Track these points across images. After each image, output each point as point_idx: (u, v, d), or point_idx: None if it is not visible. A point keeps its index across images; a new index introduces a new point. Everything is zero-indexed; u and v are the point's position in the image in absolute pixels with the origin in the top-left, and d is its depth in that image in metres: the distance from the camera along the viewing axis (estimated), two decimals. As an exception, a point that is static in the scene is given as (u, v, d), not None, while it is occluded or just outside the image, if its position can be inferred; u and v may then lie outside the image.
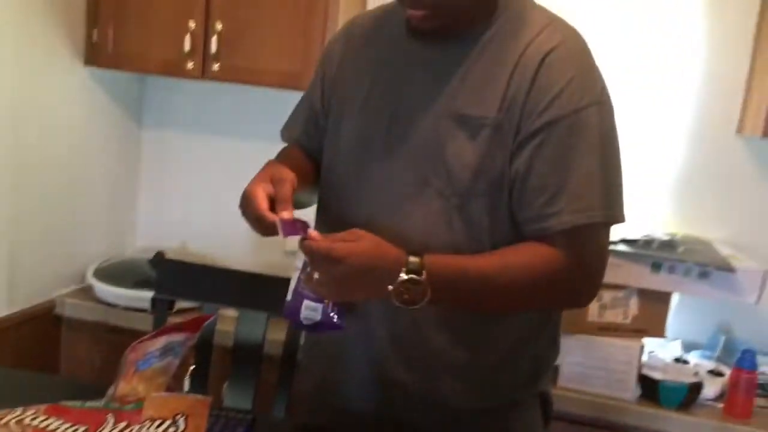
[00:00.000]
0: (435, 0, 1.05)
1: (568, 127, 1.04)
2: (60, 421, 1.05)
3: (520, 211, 1.07)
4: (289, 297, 1.11)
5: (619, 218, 1.09)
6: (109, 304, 2.22)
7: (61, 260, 2.28)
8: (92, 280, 2.26)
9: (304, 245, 1.01)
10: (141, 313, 2.15)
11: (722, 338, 2.17)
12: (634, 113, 2.18)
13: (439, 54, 1.11)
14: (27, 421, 1.04)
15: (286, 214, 1.04)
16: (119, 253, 2.52)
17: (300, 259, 1.10)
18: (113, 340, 2.08)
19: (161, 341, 1.17)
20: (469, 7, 1.08)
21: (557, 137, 1.04)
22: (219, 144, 2.54)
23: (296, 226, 1.04)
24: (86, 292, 2.30)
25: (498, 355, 1.16)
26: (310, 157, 1.28)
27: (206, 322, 1.23)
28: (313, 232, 1.03)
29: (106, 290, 2.22)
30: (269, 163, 1.17)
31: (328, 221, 1.21)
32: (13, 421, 1.04)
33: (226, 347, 1.64)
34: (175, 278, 1.71)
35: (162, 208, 2.60)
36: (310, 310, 1.08)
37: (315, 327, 1.09)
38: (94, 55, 2.24)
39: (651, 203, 2.22)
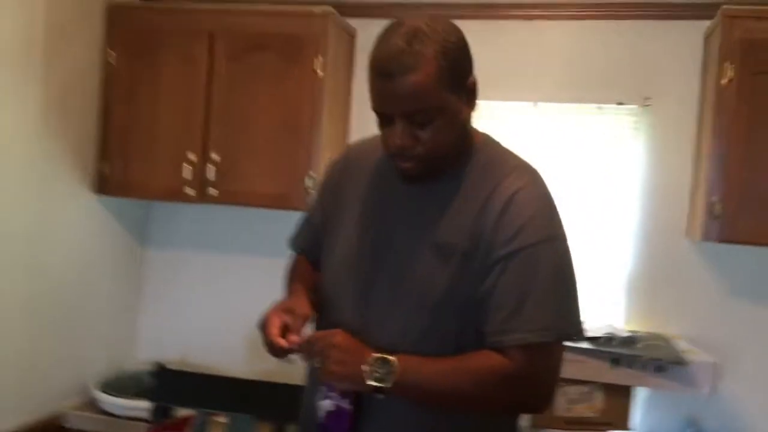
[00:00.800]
0: (421, 154, 1.25)
1: (526, 258, 1.23)
2: None
3: (483, 325, 1.25)
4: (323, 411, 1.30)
5: (571, 336, 1.25)
6: (112, 415, 2.35)
7: (67, 374, 2.44)
8: (96, 393, 2.41)
9: (304, 343, 1.22)
10: (142, 422, 2.28)
11: (689, 431, 2.29)
12: (592, 226, 2.40)
13: (422, 190, 1.31)
14: None
15: (296, 339, 1.26)
16: (121, 366, 2.68)
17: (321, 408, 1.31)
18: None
19: (155, 439, 1.34)
20: (449, 158, 1.29)
21: (517, 266, 1.23)
22: (217, 261, 2.75)
23: None
24: (90, 404, 2.44)
25: None
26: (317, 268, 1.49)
27: (196, 421, 1.39)
28: None
29: (109, 401, 2.36)
30: (293, 292, 1.41)
31: (321, 327, 1.39)
32: None
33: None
34: (171, 386, 1.88)
35: (163, 323, 2.78)
36: (324, 406, 1.29)
37: (331, 424, 1.29)
38: (104, 185, 2.50)
39: (613, 304, 2.40)
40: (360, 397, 1.27)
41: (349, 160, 1.48)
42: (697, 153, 2.30)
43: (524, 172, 1.31)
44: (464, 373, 1.23)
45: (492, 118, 2.46)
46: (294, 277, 1.50)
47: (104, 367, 2.60)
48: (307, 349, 1.24)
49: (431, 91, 1.20)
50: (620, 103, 2.39)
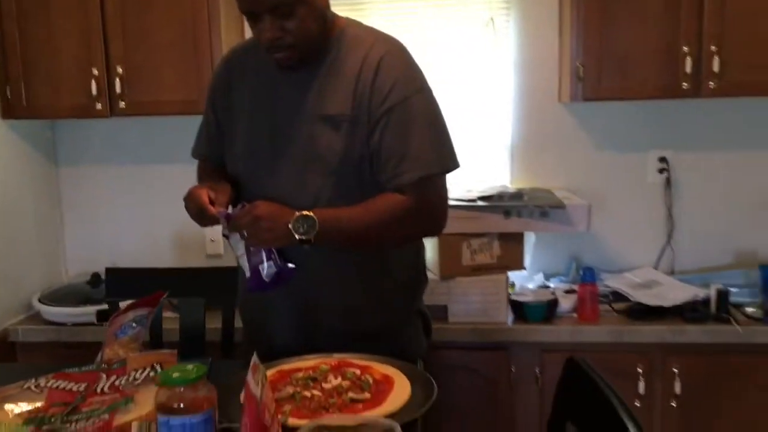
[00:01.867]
0: (291, 43, 1.45)
1: (402, 110, 1.48)
2: (66, 382, 1.40)
3: (379, 175, 1.51)
4: (248, 274, 1.52)
5: (451, 167, 1.54)
6: (57, 324, 2.51)
7: (7, 293, 2.55)
8: (39, 306, 2.54)
9: (231, 221, 1.42)
10: (88, 327, 2.46)
11: (573, 265, 2.71)
12: (475, 99, 2.68)
13: (301, 74, 1.53)
14: (42, 384, 1.38)
15: (222, 210, 1.45)
16: (56, 281, 2.80)
17: (239, 246, 1.51)
18: (66, 355, 2.38)
19: (130, 315, 1.54)
20: (316, 42, 1.50)
21: (396, 119, 1.48)
22: (131, 171, 2.86)
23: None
24: (35, 317, 2.58)
25: (388, 290, 1.60)
26: (222, 167, 1.68)
27: (161, 298, 1.59)
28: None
29: (53, 311, 2.51)
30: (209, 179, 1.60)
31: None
32: (32, 385, 1.38)
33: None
34: (123, 284, 2.05)
35: (88, 235, 2.89)
36: (268, 268, 1.49)
37: (278, 281, 1.50)
38: (9, 109, 2.53)
39: (500, 166, 2.73)
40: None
41: (232, 62, 1.66)
42: (561, 24, 2.60)
43: (385, 41, 1.54)
44: (373, 214, 1.49)
45: (375, 7, 2.65)
46: (204, 176, 1.70)
47: (41, 282, 2.72)
48: (234, 226, 1.43)
49: None
50: (493, -15, 2.64)
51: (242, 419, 1.02)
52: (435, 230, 1.60)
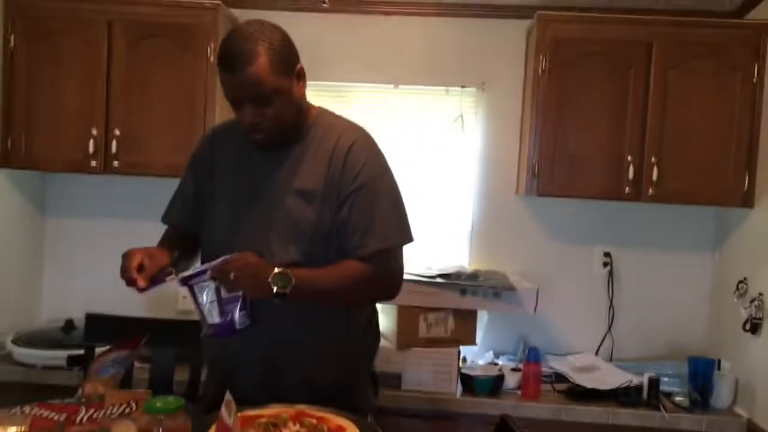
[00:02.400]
0: (268, 128, 1.67)
1: (367, 190, 1.71)
2: (48, 411, 1.54)
3: (345, 245, 1.71)
4: (216, 320, 1.65)
5: (407, 241, 1.76)
6: (28, 365, 2.61)
7: (-18, 332, 2.67)
8: (11, 347, 2.65)
9: (217, 268, 1.58)
10: (57, 371, 2.57)
11: (521, 345, 2.91)
12: (441, 188, 2.93)
13: (279, 154, 1.74)
14: (27, 411, 1.52)
15: (141, 283, 1.60)
16: (29, 325, 2.91)
17: (208, 293, 1.68)
18: (35, 397, 2.44)
19: (112, 356, 1.69)
20: (291, 127, 1.72)
21: (362, 197, 1.70)
22: (113, 226, 3.02)
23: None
24: (5, 358, 2.68)
25: (343, 349, 1.78)
26: (186, 235, 1.87)
27: (141, 342, 1.75)
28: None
29: (25, 353, 2.61)
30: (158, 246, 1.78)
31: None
32: (18, 411, 1.52)
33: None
34: (101, 329, 2.20)
35: (66, 284, 3.03)
36: (241, 317, 1.65)
37: (239, 330, 1.65)
38: (7, 158, 2.71)
39: (460, 249, 2.96)
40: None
41: (216, 137, 1.89)
42: (522, 126, 2.89)
43: (355, 130, 1.79)
44: (340, 277, 1.69)
45: (358, 97, 2.92)
46: (164, 242, 1.87)
47: (15, 325, 2.83)
48: (223, 269, 1.58)
49: (265, 78, 1.62)
50: (463, 86, 2.93)
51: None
52: (392, 294, 1.80)
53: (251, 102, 1.64)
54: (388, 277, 1.76)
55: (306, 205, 1.71)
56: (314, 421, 1.56)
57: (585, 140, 2.62)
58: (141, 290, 1.62)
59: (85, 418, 1.51)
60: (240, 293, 1.64)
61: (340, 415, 1.61)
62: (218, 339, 1.69)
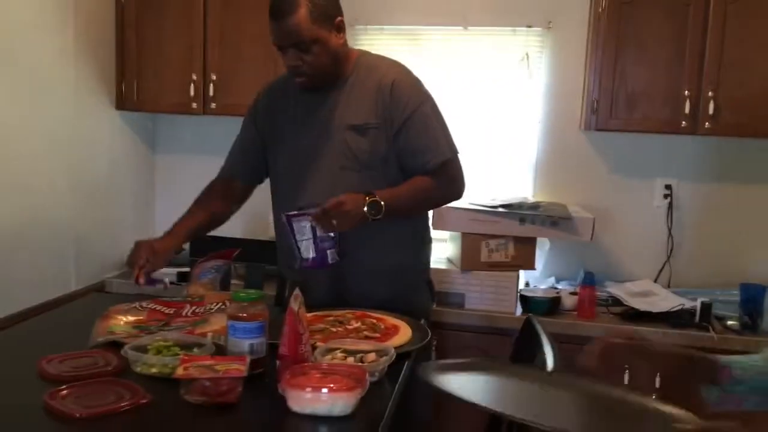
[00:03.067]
0: (306, 72, 1.93)
1: (417, 117, 1.98)
2: (161, 306, 1.91)
3: (410, 166, 2.00)
4: (311, 255, 1.95)
5: (457, 152, 2.04)
6: (145, 280, 3.05)
7: (107, 251, 3.12)
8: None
9: (318, 216, 1.87)
10: (172, 284, 2.99)
11: (581, 272, 3.10)
12: (508, 122, 3.12)
13: (327, 96, 2.02)
14: (144, 305, 1.90)
15: (140, 280, 1.95)
16: (145, 247, 3.37)
17: (305, 231, 1.95)
18: (150, 306, 2.91)
19: (210, 264, 2.05)
20: (330, 73, 1.97)
21: (414, 124, 1.98)
22: (213, 161, 3.38)
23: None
24: (126, 274, 3.13)
25: (402, 257, 2.07)
26: (239, 186, 2.19)
27: (234, 253, 2.09)
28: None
29: (143, 270, 3.05)
30: (174, 228, 2.12)
31: (284, 204, 2.05)
32: (138, 306, 1.90)
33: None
34: (204, 247, 2.57)
35: (174, 212, 3.43)
36: (331, 254, 1.96)
37: (331, 265, 1.95)
38: (123, 102, 3.11)
39: (524, 181, 3.16)
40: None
41: (272, 91, 2.18)
42: (586, 64, 3.01)
43: (394, 66, 2.05)
44: (416, 191, 2.00)
45: (429, 40, 3.12)
46: (201, 200, 2.19)
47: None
48: (323, 214, 1.86)
49: (304, 28, 1.88)
50: (529, 26, 3.07)
51: (283, 328, 1.49)
52: (458, 196, 2.10)
53: (292, 47, 1.90)
54: (452, 183, 2.06)
55: (360, 137, 1.98)
56: (374, 320, 1.86)
57: (644, 76, 2.73)
58: (139, 285, 1.99)
59: (190, 312, 1.87)
60: (332, 234, 1.94)
61: (396, 317, 1.90)
62: (310, 270, 1.97)
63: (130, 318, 1.84)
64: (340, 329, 1.79)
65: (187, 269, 2.75)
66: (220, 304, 1.88)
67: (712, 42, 2.65)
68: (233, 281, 2.60)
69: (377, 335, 1.77)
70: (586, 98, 2.88)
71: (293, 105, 2.08)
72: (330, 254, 1.97)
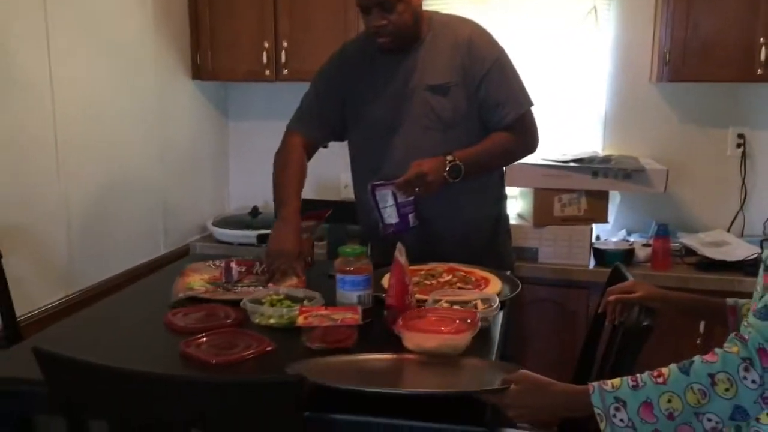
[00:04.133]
0: (390, 31, 1.98)
1: (494, 70, 2.05)
2: (234, 264, 1.99)
3: (489, 118, 2.07)
4: (394, 220, 2.04)
5: (532, 104, 2.11)
6: (227, 243, 3.19)
7: (189, 217, 3.27)
8: (212, 228, 3.24)
9: (401, 185, 1.96)
10: (249, 247, 3.12)
11: (653, 224, 3.12)
12: (577, 75, 3.13)
13: (406, 58, 2.07)
14: (218, 263, 1.99)
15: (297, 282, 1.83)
16: (223, 211, 3.51)
17: (387, 199, 2.03)
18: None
19: (303, 224, 2.14)
20: (411, 32, 2.03)
21: (492, 78, 2.04)
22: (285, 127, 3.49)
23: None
24: (208, 237, 3.28)
25: (480, 212, 2.15)
26: (308, 148, 2.20)
27: (326, 214, 2.19)
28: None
29: (225, 233, 3.18)
30: (288, 201, 2.07)
31: (366, 170, 2.13)
32: (212, 263, 2.02)
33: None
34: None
35: (248, 178, 3.57)
36: (413, 218, 2.05)
37: (413, 228, 2.05)
38: (198, 72, 3.22)
39: (594, 135, 3.17)
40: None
41: (348, 53, 2.22)
42: (655, 15, 2.99)
43: (467, 23, 2.11)
44: (494, 147, 2.08)
45: (497, -3, 3.14)
46: (289, 173, 2.12)
47: (212, 211, 3.43)
48: (406, 183, 1.95)
49: None
50: (597, -21, 3.06)
51: (390, 280, 1.59)
52: (533, 149, 2.17)
53: (377, 7, 1.95)
54: (528, 136, 2.13)
55: (441, 97, 2.05)
56: (463, 273, 1.94)
57: (716, 24, 2.70)
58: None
59: (260, 270, 1.97)
60: (412, 198, 2.02)
61: (485, 270, 1.98)
62: (394, 235, 2.01)
63: (206, 275, 1.96)
64: (433, 282, 1.87)
65: (267, 231, 2.85)
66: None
67: (789, -14, 2.61)
68: (315, 243, 2.69)
69: (469, 287, 1.85)
70: (657, 49, 2.87)
71: (370, 70, 2.13)
72: (411, 218, 2.06)
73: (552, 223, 2.87)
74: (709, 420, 1.13)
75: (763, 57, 2.65)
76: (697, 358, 1.17)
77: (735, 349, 1.14)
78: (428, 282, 1.87)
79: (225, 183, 3.59)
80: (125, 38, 2.76)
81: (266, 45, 3.10)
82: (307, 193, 3.38)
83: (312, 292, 1.71)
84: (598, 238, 3.04)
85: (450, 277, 1.91)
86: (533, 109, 2.13)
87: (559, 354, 2.84)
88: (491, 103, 2.05)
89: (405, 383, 1.38)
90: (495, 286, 1.86)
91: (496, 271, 1.97)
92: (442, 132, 2.06)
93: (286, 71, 3.12)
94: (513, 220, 2.93)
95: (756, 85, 2.85)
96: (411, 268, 1.98)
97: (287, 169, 2.14)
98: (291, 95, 3.44)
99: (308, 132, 2.23)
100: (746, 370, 1.12)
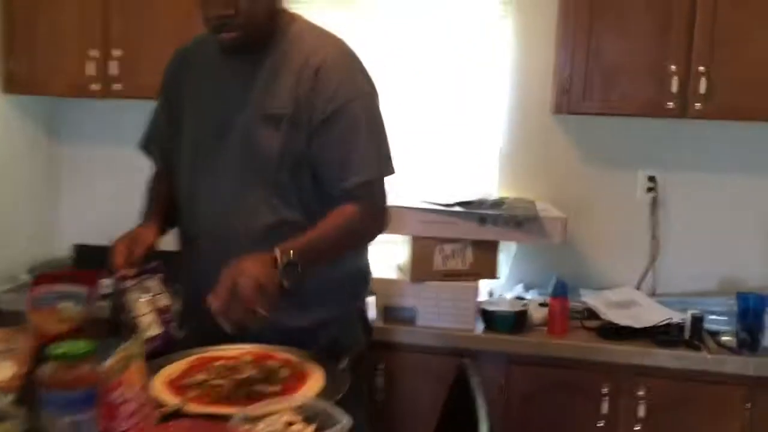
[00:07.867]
0: (237, 23, 1.48)
1: (343, 116, 1.51)
2: None
3: (324, 181, 1.55)
4: (158, 329, 1.49)
5: (388, 172, 1.57)
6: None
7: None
8: (24, 276, 2.64)
9: (219, 312, 1.36)
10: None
11: (553, 278, 2.68)
12: (467, 105, 2.68)
13: (246, 67, 1.56)
14: None
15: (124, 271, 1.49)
16: (47, 254, 2.90)
17: (139, 307, 1.50)
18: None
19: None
20: (262, 28, 1.53)
21: (337, 125, 1.52)
22: (125, 153, 2.90)
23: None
24: (21, 287, 2.66)
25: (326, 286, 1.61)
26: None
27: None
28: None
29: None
30: (146, 217, 1.66)
31: (181, 209, 1.66)
32: None
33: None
34: (90, 260, 2.12)
35: (81, 212, 2.96)
36: (174, 329, 1.52)
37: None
38: (11, 84, 2.64)
39: (487, 174, 2.73)
40: None
41: (182, 59, 1.71)
42: (556, 35, 2.58)
43: (327, 44, 1.57)
44: (333, 231, 1.52)
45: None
46: (152, 196, 1.73)
47: (31, 255, 2.81)
48: (223, 308, 1.35)
49: None
50: (491, -8, 2.63)
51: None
52: (380, 229, 1.63)
53: None
54: (375, 213, 1.59)
55: (273, 131, 1.54)
56: (276, 364, 1.42)
57: (621, 48, 2.32)
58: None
59: None
60: None
61: (308, 358, 1.46)
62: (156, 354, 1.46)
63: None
64: (224, 382, 1.34)
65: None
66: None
67: (703, 8, 2.24)
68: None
69: (276, 390, 1.33)
70: (556, 76, 2.45)
71: (202, 76, 1.64)
72: (173, 327, 1.52)
73: (432, 278, 2.39)
74: None
75: (674, 88, 2.27)
76: None
77: None
78: (219, 381, 1.34)
79: (51, 219, 2.98)
80: None
81: (93, 54, 2.54)
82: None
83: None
84: (491, 294, 2.59)
85: (253, 372, 1.38)
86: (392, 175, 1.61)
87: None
88: (326, 158, 1.54)
89: None
90: (314, 385, 1.35)
91: (323, 359, 1.46)
92: (263, 186, 1.55)
93: (118, 86, 2.56)
94: (390, 274, 2.47)
95: (668, 121, 2.48)
96: (207, 355, 1.48)
97: (151, 191, 1.77)
98: (129, 115, 2.92)
99: (156, 147, 1.77)
100: None
